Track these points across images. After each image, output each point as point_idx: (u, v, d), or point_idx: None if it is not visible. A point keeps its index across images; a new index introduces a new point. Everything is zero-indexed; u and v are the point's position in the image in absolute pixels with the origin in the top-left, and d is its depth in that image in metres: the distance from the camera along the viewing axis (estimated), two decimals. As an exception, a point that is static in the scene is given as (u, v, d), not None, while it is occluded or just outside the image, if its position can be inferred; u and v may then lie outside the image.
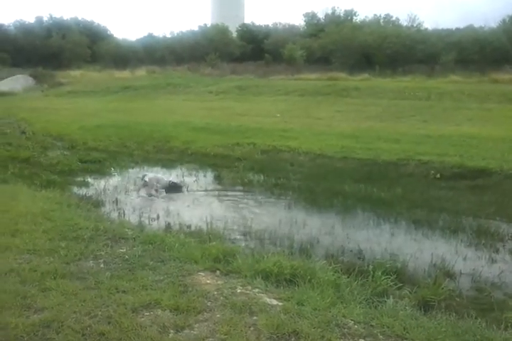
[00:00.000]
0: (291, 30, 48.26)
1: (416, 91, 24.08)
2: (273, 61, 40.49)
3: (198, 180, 9.44)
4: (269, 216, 7.06)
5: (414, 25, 44.37)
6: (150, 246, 5.21)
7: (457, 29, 41.52)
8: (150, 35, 51.82)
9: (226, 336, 3.35)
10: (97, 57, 46.85)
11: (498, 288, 4.78)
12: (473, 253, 5.72)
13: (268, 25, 50.93)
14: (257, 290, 4.17)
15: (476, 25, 41.55)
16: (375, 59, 36.37)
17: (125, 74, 38.07)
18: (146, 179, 8.46)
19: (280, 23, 51.38)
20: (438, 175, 9.18)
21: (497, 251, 5.78)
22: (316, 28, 45.01)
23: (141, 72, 38.64)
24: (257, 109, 20.54)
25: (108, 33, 54.99)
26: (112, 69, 40.52)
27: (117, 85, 31.88)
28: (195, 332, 3.43)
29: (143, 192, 8.46)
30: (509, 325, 3.75)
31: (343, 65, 35.83)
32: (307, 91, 26.29)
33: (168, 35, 52.74)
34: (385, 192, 7.94)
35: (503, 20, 40.49)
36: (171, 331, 3.44)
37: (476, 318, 3.80)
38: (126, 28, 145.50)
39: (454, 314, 3.93)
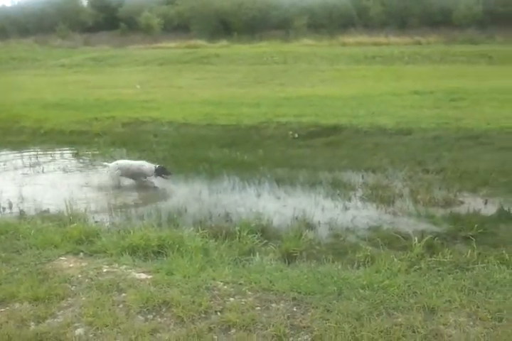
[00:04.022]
0: (145, -4, 46.06)
1: (273, 56, 24.92)
2: (129, 30, 38.63)
3: (54, 160, 8.78)
4: (134, 190, 6.86)
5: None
6: (1, 236, 4.76)
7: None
8: (-16, 5, 45.68)
9: (93, 318, 3.22)
10: None
11: (352, 233, 5.26)
12: (330, 203, 6.19)
13: (121, -7, 47.94)
14: (124, 266, 4.06)
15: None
16: (232, 25, 36.64)
17: (-45, 48, 33.35)
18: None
19: (134, -10, 48.65)
20: (296, 135, 9.68)
21: (350, 199, 6.32)
22: (172, -5, 43.61)
23: (-23, 46, 34.19)
24: (115, 80, 19.56)
25: None
26: None
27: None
28: (59, 320, 3.25)
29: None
30: (360, 263, 4.16)
31: (201, 33, 35.52)
32: (167, 60, 25.70)
33: (9, 5, 47.06)
34: (248, 155, 8.16)
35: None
36: (32, 323, 3.22)
37: (333, 262, 4.15)
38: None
39: (315, 261, 4.26)
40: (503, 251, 4.31)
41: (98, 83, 18.89)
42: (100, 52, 30.54)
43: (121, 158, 8.65)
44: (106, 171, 7.28)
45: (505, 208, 5.70)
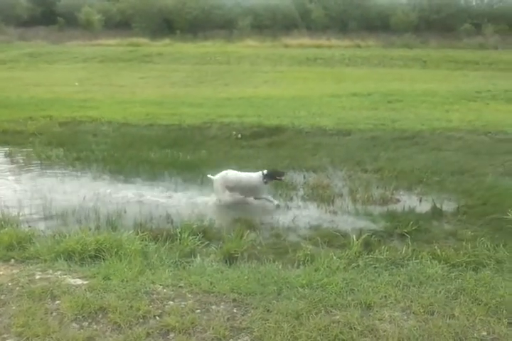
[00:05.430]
0: (85, -9, 44.53)
1: (217, 56, 24.88)
2: (67, 25, 37.18)
3: (-16, 162, 8.31)
4: (71, 192, 6.58)
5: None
6: None
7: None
8: None
9: (23, 328, 3.07)
10: None
11: (293, 232, 5.32)
12: (271, 203, 6.21)
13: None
14: (59, 272, 3.91)
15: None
16: (175, 24, 36.25)
17: None
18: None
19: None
20: (239, 136, 9.68)
21: (291, 199, 6.40)
22: (113, -9, 42.43)
23: None
24: (52, 78, 18.79)
25: None
26: None
27: None
28: (-15, 332, 3.07)
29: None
30: (301, 262, 4.22)
31: (144, 30, 34.89)
32: (108, 58, 25.01)
33: None
34: (191, 156, 8.07)
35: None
36: (-45, 336, 3.02)
37: (274, 262, 4.18)
38: None
39: (256, 261, 4.26)
40: (436, 247, 4.52)
41: (34, 80, 18.09)
42: (36, 47, 29.25)
43: (58, 158, 8.33)
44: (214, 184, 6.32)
45: (438, 205, 5.97)
